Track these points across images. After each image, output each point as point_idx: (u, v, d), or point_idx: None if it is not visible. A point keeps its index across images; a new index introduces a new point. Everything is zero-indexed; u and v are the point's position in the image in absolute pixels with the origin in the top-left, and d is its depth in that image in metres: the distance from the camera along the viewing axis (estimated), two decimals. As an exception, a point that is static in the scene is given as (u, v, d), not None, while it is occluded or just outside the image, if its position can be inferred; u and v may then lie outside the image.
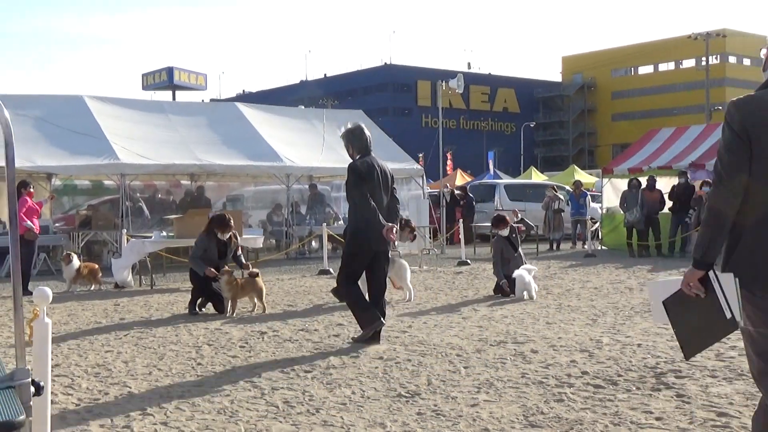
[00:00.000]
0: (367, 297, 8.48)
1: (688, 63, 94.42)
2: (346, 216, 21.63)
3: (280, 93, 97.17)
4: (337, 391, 6.13)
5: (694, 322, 3.76)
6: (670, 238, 19.58)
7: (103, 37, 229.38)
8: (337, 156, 21.30)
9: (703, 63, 62.80)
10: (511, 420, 5.29)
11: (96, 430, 5.20)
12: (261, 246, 15.87)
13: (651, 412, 5.41)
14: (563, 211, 23.52)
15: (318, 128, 22.32)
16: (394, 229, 8.15)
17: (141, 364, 7.28)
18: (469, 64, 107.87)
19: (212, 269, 10.64)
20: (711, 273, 3.61)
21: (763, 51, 3.86)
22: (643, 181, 20.21)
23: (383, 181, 8.25)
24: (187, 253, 14.15)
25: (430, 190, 24.62)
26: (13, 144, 2.98)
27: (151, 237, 14.76)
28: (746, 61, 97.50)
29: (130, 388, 6.35)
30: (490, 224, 13.42)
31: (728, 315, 3.55)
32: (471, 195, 25.99)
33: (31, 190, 14.12)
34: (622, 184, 21.20)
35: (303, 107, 31.91)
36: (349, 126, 8.55)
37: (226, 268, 10.69)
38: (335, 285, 11.96)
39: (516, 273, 11.76)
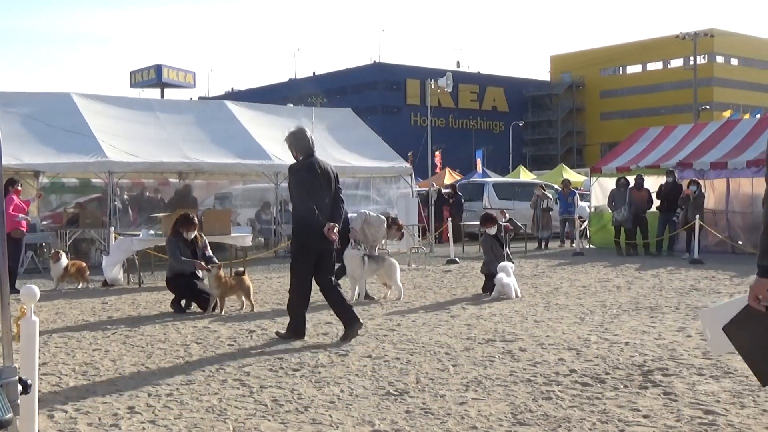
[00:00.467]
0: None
1: (676, 62, 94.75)
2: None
3: (269, 91, 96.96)
4: (325, 390, 6.13)
5: (765, 341, 3.49)
6: (658, 237, 19.65)
7: (91, 34, 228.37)
8: (326, 154, 21.23)
9: (691, 62, 63.04)
10: (499, 418, 5.30)
11: (84, 429, 5.18)
12: (250, 244, 15.83)
13: (638, 410, 5.43)
14: (552, 209, 23.57)
15: (307, 127, 22.21)
16: (335, 228, 8.27)
17: (129, 363, 7.26)
18: (458, 62, 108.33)
19: (202, 263, 10.64)
20: None
21: None
22: (631, 180, 20.28)
23: (325, 181, 8.38)
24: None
25: (418, 189, 24.62)
26: (0, 141, 2.97)
27: (139, 235, 14.71)
28: (734, 61, 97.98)
29: (118, 386, 6.33)
30: (478, 223, 13.43)
31: None
32: (460, 194, 26.00)
33: (19, 188, 14.04)
34: (611, 183, 21.28)
35: (292, 105, 31.76)
36: (292, 129, 8.76)
37: (218, 264, 10.68)
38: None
39: (496, 277, 11.72)
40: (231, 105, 22.43)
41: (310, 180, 8.27)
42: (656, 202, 19.95)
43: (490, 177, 36.69)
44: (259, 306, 10.87)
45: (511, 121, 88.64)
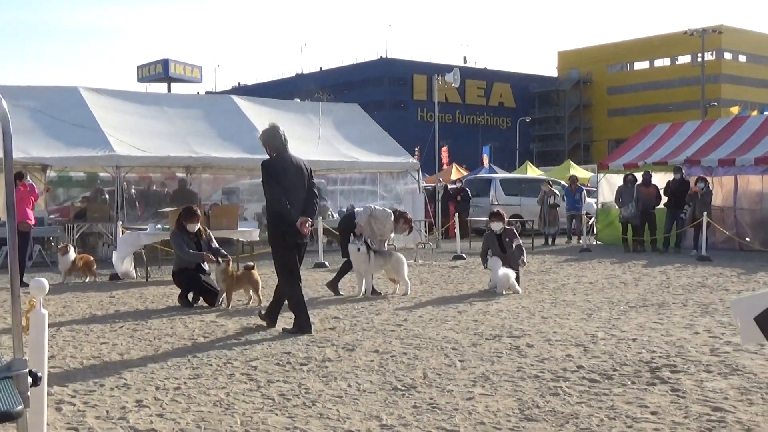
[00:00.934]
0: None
1: (684, 59, 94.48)
2: (341, 209, 21.69)
3: (275, 86, 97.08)
4: (333, 384, 6.13)
5: None
6: (665, 234, 19.60)
7: (98, 29, 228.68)
8: (332, 150, 21.29)
9: (699, 59, 62.83)
10: (507, 414, 5.30)
11: (92, 422, 5.19)
12: (257, 239, 15.84)
13: (646, 407, 5.42)
14: (558, 205, 23.54)
15: (314, 122, 22.29)
16: (308, 222, 8.45)
17: (136, 356, 7.27)
18: (465, 58, 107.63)
19: (210, 255, 10.66)
20: None
21: None
22: (639, 176, 20.23)
23: (299, 176, 8.60)
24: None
25: (425, 185, 24.62)
26: (11, 134, 2.97)
27: (146, 229, 14.74)
28: (742, 58, 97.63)
29: (126, 379, 6.34)
30: (487, 218, 13.40)
31: None
32: (467, 189, 25.98)
33: (26, 181, 14.03)
34: (618, 180, 21.24)
35: (299, 100, 31.80)
36: (266, 127, 8.96)
37: (228, 257, 10.70)
38: (330, 278, 12.04)
39: (500, 272, 11.75)
40: (238, 100, 22.43)
41: (283, 175, 8.47)
42: (664, 199, 19.90)
43: (496, 173, 36.67)
44: (266, 300, 10.82)
45: (518, 117, 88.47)
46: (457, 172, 37.60)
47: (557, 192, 24.27)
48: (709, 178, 19.16)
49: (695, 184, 18.76)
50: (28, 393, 2.84)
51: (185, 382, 6.24)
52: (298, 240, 8.55)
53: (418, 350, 7.41)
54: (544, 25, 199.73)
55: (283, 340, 7.99)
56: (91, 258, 14.17)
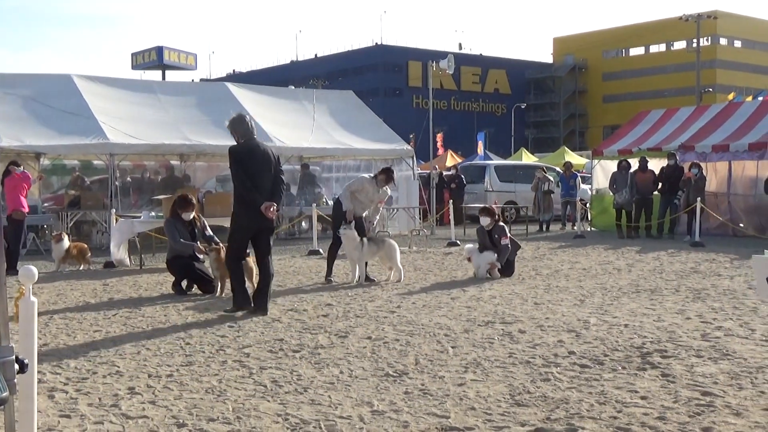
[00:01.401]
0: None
1: (679, 45, 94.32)
2: (335, 196, 21.66)
3: (270, 73, 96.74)
4: (325, 371, 6.15)
5: None
6: (659, 220, 19.64)
7: (92, 16, 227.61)
8: (327, 137, 21.26)
9: (694, 45, 62.77)
10: (498, 399, 5.32)
11: (84, 409, 5.21)
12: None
13: (636, 391, 5.45)
14: (553, 192, 23.57)
15: (308, 109, 22.24)
16: (273, 207, 8.79)
17: (129, 344, 7.28)
18: (460, 44, 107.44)
19: (201, 246, 10.67)
20: None
21: None
22: (634, 162, 20.24)
23: (265, 162, 8.91)
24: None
25: (420, 171, 24.61)
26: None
27: (140, 217, 14.73)
28: (737, 43, 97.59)
29: (119, 367, 6.36)
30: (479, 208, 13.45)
31: None
32: (462, 176, 25.98)
33: (18, 170, 13.95)
34: (612, 166, 21.24)
35: (293, 87, 31.71)
36: (233, 116, 9.27)
37: (218, 245, 10.69)
38: (324, 270, 12.04)
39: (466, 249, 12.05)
40: (232, 87, 22.36)
41: (249, 161, 8.78)
42: (658, 185, 19.91)
43: (491, 159, 36.65)
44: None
45: (513, 103, 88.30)
46: (452, 159, 37.59)
47: (551, 178, 24.29)
48: (703, 164, 19.18)
49: (689, 170, 18.78)
50: (15, 380, 2.85)
51: (178, 370, 6.26)
52: (263, 224, 8.87)
53: (411, 337, 7.43)
54: (539, 11, 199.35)
55: (276, 327, 8.01)
56: (85, 246, 14.16)
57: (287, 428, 4.78)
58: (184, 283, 10.81)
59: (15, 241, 13.47)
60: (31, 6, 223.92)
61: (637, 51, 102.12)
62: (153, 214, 14.75)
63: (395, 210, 21.64)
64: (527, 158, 40.13)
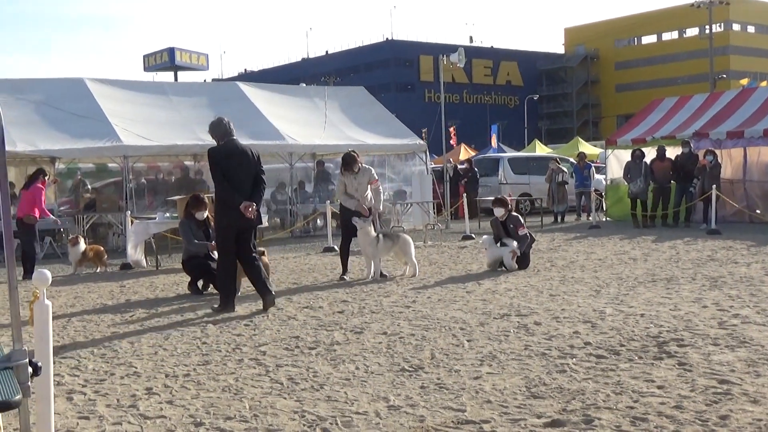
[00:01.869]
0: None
1: (692, 32, 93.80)
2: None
3: (282, 71, 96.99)
4: (341, 367, 6.16)
5: None
6: (675, 208, 19.52)
7: (103, 18, 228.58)
8: (339, 133, 21.27)
9: (707, 31, 62.33)
10: (514, 392, 5.32)
11: (102, 410, 5.24)
12: (266, 225, 15.88)
13: (653, 381, 5.43)
14: (567, 183, 23.49)
15: (320, 106, 22.27)
16: (251, 207, 8.93)
17: (146, 344, 7.32)
18: (471, 37, 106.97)
19: (214, 245, 10.70)
20: None
21: None
22: (651, 151, 20.10)
23: (244, 162, 9.08)
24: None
25: (433, 165, 24.57)
26: (2, 126, 2.98)
27: (155, 218, 14.80)
28: (750, 29, 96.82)
29: (136, 368, 6.39)
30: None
31: None
32: (476, 169, 25.93)
33: (45, 178, 13.93)
34: (626, 155, 21.12)
35: (305, 85, 31.78)
36: (212, 119, 9.57)
37: None
38: (339, 269, 12.05)
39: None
40: (244, 86, 22.41)
41: (227, 162, 8.96)
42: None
43: (505, 152, 36.57)
44: (276, 286, 10.87)
45: (525, 95, 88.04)
46: (465, 152, 37.51)
47: (565, 169, 24.21)
48: (717, 151, 19.05)
49: (704, 158, 18.67)
50: (29, 383, 2.87)
51: (195, 369, 6.29)
52: (242, 223, 8.99)
53: (426, 331, 7.43)
54: (549, 1, 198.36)
55: (291, 324, 8.03)
56: (102, 248, 14.24)
57: (304, 425, 4.79)
58: (200, 283, 10.86)
59: (30, 246, 13.45)
60: (42, 9, 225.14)
61: (649, 39, 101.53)
62: (168, 215, 14.82)
63: (409, 205, 21.64)
64: (541, 150, 39.98)
